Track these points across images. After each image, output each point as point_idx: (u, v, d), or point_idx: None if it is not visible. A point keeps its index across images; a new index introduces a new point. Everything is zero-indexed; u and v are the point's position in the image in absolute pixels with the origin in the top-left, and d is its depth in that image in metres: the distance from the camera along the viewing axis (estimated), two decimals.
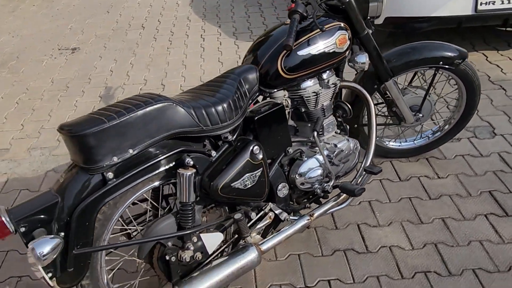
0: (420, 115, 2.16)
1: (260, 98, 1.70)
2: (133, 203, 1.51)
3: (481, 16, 3.05)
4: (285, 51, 1.57)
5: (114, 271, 1.73)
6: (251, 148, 1.46)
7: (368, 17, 1.80)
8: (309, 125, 1.77)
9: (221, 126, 1.44)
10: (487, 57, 3.40)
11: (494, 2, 2.99)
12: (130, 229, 1.55)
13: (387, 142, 2.38)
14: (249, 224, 1.62)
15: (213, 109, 1.42)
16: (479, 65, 3.29)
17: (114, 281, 1.81)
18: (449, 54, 2.00)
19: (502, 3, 2.99)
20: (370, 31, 1.85)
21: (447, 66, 2.02)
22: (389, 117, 2.22)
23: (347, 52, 1.73)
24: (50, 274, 1.27)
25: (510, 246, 1.89)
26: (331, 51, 1.63)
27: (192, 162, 1.39)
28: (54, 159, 2.60)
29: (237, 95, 1.50)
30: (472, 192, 2.18)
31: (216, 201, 1.51)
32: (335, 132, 1.85)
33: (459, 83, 2.14)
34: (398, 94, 2.05)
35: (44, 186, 2.38)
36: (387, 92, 2.09)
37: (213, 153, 1.46)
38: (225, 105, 1.45)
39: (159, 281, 1.53)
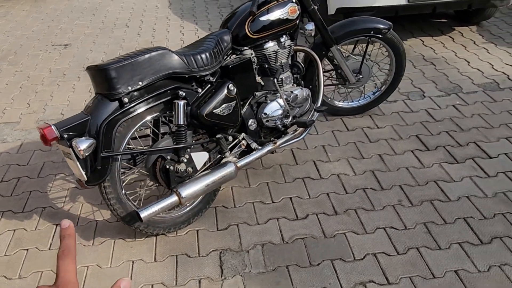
0: (361, 76, 2.74)
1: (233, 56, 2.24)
2: (140, 136, 2.01)
3: (413, 6, 3.69)
4: (250, 17, 2.11)
5: (127, 180, 2.22)
6: (227, 85, 1.99)
7: None
8: (271, 78, 2.31)
9: (204, 68, 1.97)
10: (423, 42, 4.06)
11: None
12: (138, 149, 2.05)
13: (337, 102, 2.95)
14: (229, 146, 2.14)
15: (198, 56, 1.95)
16: (416, 48, 3.94)
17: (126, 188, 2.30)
18: (378, 25, 2.60)
19: None
20: (316, 7, 2.42)
21: (376, 35, 2.61)
22: (337, 79, 2.80)
23: (297, 21, 2.29)
24: (85, 171, 1.75)
25: (428, 169, 2.47)
26: (284, 17, 2.18)
27: (184, 94, 1.91)
28: None
29: (215, 49, 2.03)
30: (403, 136, 2.76)
31: (202, 126, 2.02)
32: (292, 85, 2.40)
33: (388, 50, 2.73)
34: (341, 59, 2.63)
35: (53, 147, 2.83)
36: (333, 58, 2.66)
37: (199, 90, 1.98)
38: (207, 54, 1.98)
39: (159, 190, 2.02)
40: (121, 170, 1.93)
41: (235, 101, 2.03)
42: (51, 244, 2.13)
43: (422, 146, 2.66)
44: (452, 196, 2.26)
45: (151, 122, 2.02)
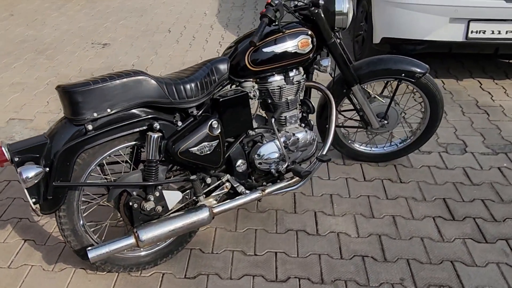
0: (385, 121, 2.39)
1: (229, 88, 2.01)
2: (111, 162, 1.83)
3: (471, 44, 3.25)
4: (252, 47, 1.87)
5: (88, 211, 2.07)
6: (210, 122, 1.76)
7: (336, 28, 2.07)
8: (270, 117, 2.05)
9: (187, 100, 1.75)
10: (481, 84, 3.57)
11: (485, 31, 3.19)
12: (106, 178, 1.87)
13: (358, 146, 2.62)
14: (207, 189, 1.91)
15: (181, 86, 1.74)
16: (471, 91, 3.47)
17: (87, 219, 2.14)
18: (411, 67, 2.24)
19: (493, 33, 3.19)
20: (338, 41, 2.12)
21: (408, 78, 2.26)
22: (359, 121, 2.47)
23: (311, 55, 2.01)
24: (34, 200, 1.60)
25: (447, 244, 2.07)
26: (293, 51, 1.91)
27: (158, 127, 1.70)
28: None
29: (205, 79, 1.80)
30: (427, 197, 2.37)
31: (177, 163, 1.81)
32: (298, 125, 2.12)
33: (422, 96, 2.36)
34: (364, 100, 2.30)
35: None
36: (355, 99, 2.34)
37: (179, 123, 1.77)
38: (192, 85, 1.76)
39: (125, 227, 1.83)
40: (82, 199, 1.76)
41: (217, 141, 1.79)
42: (12, 262, 2.02)
43: (448, 213, 2.26)
44: (469, 285, 1.87)
45: (125, 150, 1.84)
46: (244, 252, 2.05)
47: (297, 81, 2.02)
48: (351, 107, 2.42)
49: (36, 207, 1.62)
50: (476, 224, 2.18)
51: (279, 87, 1.98)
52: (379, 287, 1.87)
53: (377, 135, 2.59)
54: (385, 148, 2.63)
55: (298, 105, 2.10)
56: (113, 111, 1.63)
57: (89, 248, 1.64)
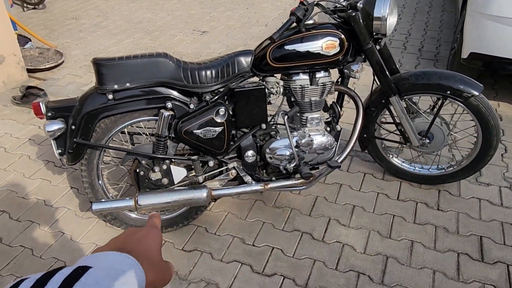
0: (427, 140, 2.21)
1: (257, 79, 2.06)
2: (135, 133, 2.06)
3: None
4: (274, 43, 1.90)
5: (109, 170, 2.34)
6: (218, 109, 1.85)
7: (375, 34, 1.98)
8: (298, 114, 2.06)
9: (200, 86, 1.87)
10: None
11: None
12: (125, 145, 2.11)
13: (400, 163, 2.45)
14: (213, 173, 2.01)
15: (198, 72, 1.86)
16: None
17: (108, 178, 2.42)
18: (459, 85, 2.02)
19: None
20: (377, 47, 2.02)
21: (454, 97, 2.04)
22: (400, 136, 2.31)
23: (341, 58, 1.95)
24: (59, 151, 1.89)
25: (462, 285, 1.86)
26: (315, 52, 1.89)
27: (171, 106, 1.86)
28: None
29: (224, 69, 1.90)
30: (461, 231, 2.13)
31: (183, 142, 1.95)
32: (323, 128, 2.08)
33: (474, 119, 2.12)
34: (402, 113, 2.15)
35: None
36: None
37: (192, 106, 1.90)
38: (209, 72, 1.87)
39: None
40: (103, 159, 2.01)
41: (221, 128, 1.87)
42: (55, 201, 2.40)
43: (478, 253, 2.01)
44: None
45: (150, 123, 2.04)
46: (243, 240, 2.12)
47: (322, 83, 1.99)
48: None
49: (62, 158, 1.92)
50: (507, 272, 1.91)
51: (301, 87, 1.97)
52: None
53: (421, 155, 2.39)
54: (430, 170, 2.41)
55: (323, 108, 2.07)
56: (132, 86, 1.83)
57: (95, 201, 1.89)
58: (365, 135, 2.34)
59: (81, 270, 0.42)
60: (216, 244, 2.10)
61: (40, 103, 1.83)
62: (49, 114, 1.84)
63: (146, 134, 2.11)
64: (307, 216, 2.26)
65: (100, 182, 2.01)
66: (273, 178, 2.09)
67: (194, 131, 1.86)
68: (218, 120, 1.86)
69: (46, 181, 2.55)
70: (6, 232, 2.20)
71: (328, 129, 2.12)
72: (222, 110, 1.86)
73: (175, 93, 1.89)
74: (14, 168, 2.67)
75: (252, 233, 2.16)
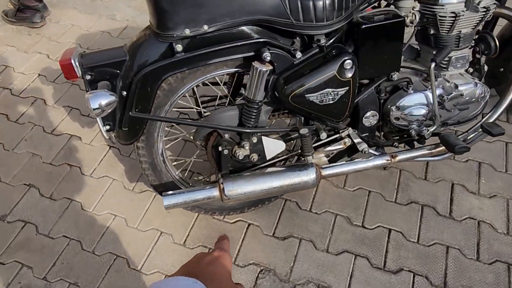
0: None
1: (384, 3, 1.39)
2: (205, 84, 1.43)
3: None
4: None
5: (172, 143, 1.77)
6: (342, 60, 1.22)
7: None
8: (434, 52, 1.42)
9: (315, 25, 1.21)
10: None
11: None
12: (196, 108, 1.51)
13: None
14: (319, 143, 1.45)
15: (310, 3, 1.19)
16: None
17: (170, 152, 1.87)
18: None
19: None
20: None
21: None
22: None
23: None
24: (108, 127, 1.30)
25: None
26: None
27: (269, 58, 1.22)
28: None
29: None
30: None
31: (286, 108, 1.36)
32: (465, 70, 1.47)
33: None
34: None
35: None
36: None
37: (299, 54, 1.26)
38: (327, 2, 1.19)
39: (211, 167, 1.50)
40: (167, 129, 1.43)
41: (346, 88, 1.26)
42: (94, 170, 1.86)
43: None
44: None
45: (223, 76, 1.42)
46: (349, 219, 1.65)
47: (484, 7, 1.32)
48: None
49: (110, 135, 1.34)
50: None
51: (453, 14, 1.31)
52: None
53: None
54: None
55: (472, 43, 1.44)
56: (211, 28, 1.17)
57: (165, 194, 1.35)
58: (502, 69, 1.72)
59: None
60: (316, 226, 1.63)
61: (72, 60, 1.18)
62: (88, 76, 1.21)
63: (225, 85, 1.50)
64: (423, 180, 1.76)
65: (162, 160, 1.45)
66: (396, 144, 1.54)
67: (308, 95, 1.25)
68: (344, 77, 1.24)
69: (75, 138, 1.98)
70: (40, 217, 1.71)
71: (472, 71, 1.51)
72: (349, 63, 1.22)
73: (275, 36, 1.24)
74: (28, 119, 2.08)
75: (358, 208, 1.68)
